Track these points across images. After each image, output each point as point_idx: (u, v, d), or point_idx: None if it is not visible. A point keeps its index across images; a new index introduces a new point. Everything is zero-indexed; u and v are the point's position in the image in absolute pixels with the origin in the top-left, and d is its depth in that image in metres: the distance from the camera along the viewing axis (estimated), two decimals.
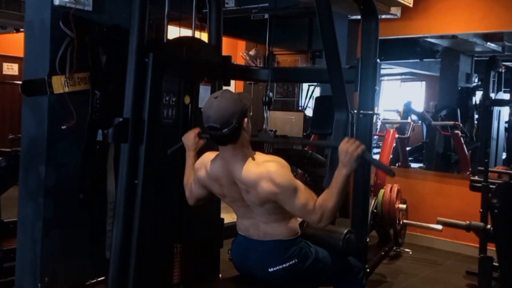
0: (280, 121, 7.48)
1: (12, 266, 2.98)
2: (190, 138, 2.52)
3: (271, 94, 3.75)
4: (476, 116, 7.15)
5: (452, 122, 6.41)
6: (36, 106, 2.71)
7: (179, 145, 2.60)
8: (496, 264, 3.28)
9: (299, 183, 2.16)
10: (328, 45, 2.77)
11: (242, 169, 2.16)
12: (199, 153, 2.49)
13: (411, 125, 6.15)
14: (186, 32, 3.12)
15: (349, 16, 5.26)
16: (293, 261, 2.22)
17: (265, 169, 2.14)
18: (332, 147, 2.91)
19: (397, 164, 6.46)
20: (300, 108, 8.74)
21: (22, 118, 2.83)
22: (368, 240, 3.16)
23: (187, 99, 2.80)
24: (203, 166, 2.34)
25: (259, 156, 2.23)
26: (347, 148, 2.08)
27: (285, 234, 2.25)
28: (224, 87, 3.07)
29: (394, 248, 4.81)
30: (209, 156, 2.34)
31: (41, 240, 2.67)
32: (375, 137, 6.58)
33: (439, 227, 4.46)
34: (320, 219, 2.11)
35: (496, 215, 2.95)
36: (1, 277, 3.20)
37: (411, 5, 4.90)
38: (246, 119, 2.17)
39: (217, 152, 2.29)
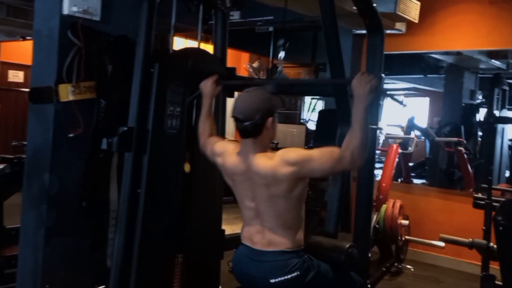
0: (282, 133, 7.48)
1: (13, 272, 2.98)
2: (207, 85, 2.64)
3: None
4: (479, 133, 7.15)
5: (455, 139, 6.40)
6: (42, 113, 2.72)
7: (197, 93, 2.68)
8: (498, 282, 3.26)
9: (312, 150, 2.22)
10: (333, 59, 2.79)
11: (259, 163, 2.23)
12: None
13: (414, 141, 6.15)
14: (192, 43, 3.14)
15: (353, 30, 5.30)
16: (296, 274, 2.21)
17: (277, 157, 2.21)
18: (345, 83, 2.87)
19: (399, 180, 6.45)
20: (302, 121, 8.75)
21: (28, 125, 2.84)
22: (370, 255, 3.15)
23: (187, 167, 2.82)
24: (222, 154, 2.40)
25: (275, 152, 2.28)
26: (361, 81, 2.11)
27: (289, 245, 2.25)
28: (228, 99, 3.09)
29: (396, 264, 4.80)
30: (230, 147, 2.39)
31: (43, 247, 2.67)
32: (378, 152, 6.58)
33: (442, 244, 4.44)
34: (352, 160, 2.09)
35: (501, 232, 2.93)
36: (2, 284, 3.21)
37: (416, 21, 4.93)
38: (270, 119, 2.25)
39: (238, 143, 2.36)
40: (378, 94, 2.39)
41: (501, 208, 3.06)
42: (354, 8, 3.01)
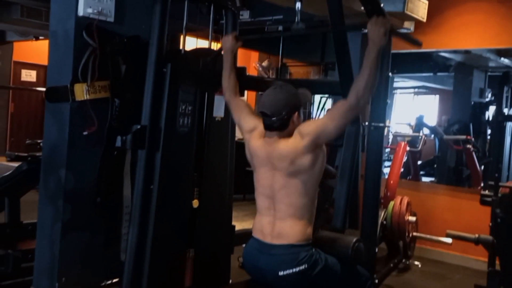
0: None
1: (30, 266, 3.06)
2: (228, 40, 2.76)
3: None
4: (488, 131, 7.16)
5: (464, 137, 6.43)
6: (58, 112, 2.80)
7: (219, 50, 2.80)
8: None
9: (322, 117, 2.38)
10: (341, 58, 2.85)
11: (281, 146, 2.34)
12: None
13: (422, 138, 6.19)
14: (203, 43, 3.21)
15: (362, 29, 5.33)
16: (303, 267, 2.28)
17: (295, 134, 2.34)
18: (360, 26, 2.92)
19: (408, 177, 6.49)
20: (311, 119, 8.80)
21: (45, 123, 2.92)
22: (376, 251, 3.21)
23: (195, 204, 2.91)
24: (251, 132, 2.49)
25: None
26: (375, 24, 2.19)
27: (297, 238, 2.31)
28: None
29: (403, 260, 4.83)
30: (260, 128, 2.46)
31: (59, 241, 2.74)
32: (387, 149, 6.62)
33: (449, 240, 4.49)
34: (356, 100, 2.21)
35: (499, 225, 2.99)
36: (19, 277, 3.29)
37: (424, 20, 4.96)
38: (296, 114, 2.36)
39: None
40: (390, 39, 2.42)
41: (500, 201, 3.11)
42: (362, 8, 3.06)
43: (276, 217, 2.36)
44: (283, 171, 2.34)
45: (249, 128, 2.52)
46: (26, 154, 3.98)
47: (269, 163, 2.38)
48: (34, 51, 9.98)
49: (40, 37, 9.12)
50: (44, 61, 2.95)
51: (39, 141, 4.89)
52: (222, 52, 2.85)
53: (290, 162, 2.32)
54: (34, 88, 9.76)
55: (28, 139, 8.38)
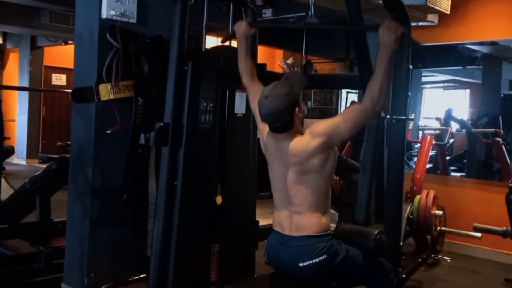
0: None
1: (61, 263, 3.16)
2: (242, 26, 2.79)
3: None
4: None
5: (493, 130, 6.32)
6: (84, 112, 2.89)
7: (232, 34, 2.83)
8: None
9: (336, 117, 2.34)
10: (360, 52, 2.85)
11: (291, 144, 2.34)
12: None
13: (448, 132, 6.10)
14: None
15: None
16: (323, 257, 2.29)
17: (306, 133, 2.33)
18: (372, 29, 2.92)
19: (437, 172, 6.41)
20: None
21: (72, 123, 3.01)
22: (401, 244, 3.18)
23: (219, 199, 2.94)
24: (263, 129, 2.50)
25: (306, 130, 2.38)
26: (388, 29, 2.20)
27: (315, 229, 2.33)
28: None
29: (432, 255, 4.78)
30: None
31: (88, 237, 2.83)
32: (417, 145, 6.55)
33: (478, 234, 4.43)
34: (372, 105, 2.23)
35: None
36: (50, 273, 3.38)
37: (448, 12, 4.91)
38: (297, 108, 2.33)
39: None
40: (403, 42, 2.40)
41: None
42: (381, 1, 3.05)
43: (293, 211, 2.38)
44: (294, 168, 2.35)
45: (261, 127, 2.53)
46: (57, 156, 4.09)
47: (280, 159, 2.40)
48: (63, 55, 10.23)
49: (69, 42, 9.36)
50: (73, 65, 3.04)
51: (69, 143, 5.02)
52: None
53: (300, 162, 2.32)
54: (64, 90, 9.98)
55: (59, 141, 8.63)
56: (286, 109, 2.29)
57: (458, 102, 10.91)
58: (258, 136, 2.69)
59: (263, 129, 2.50)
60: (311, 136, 2.31)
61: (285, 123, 2.31)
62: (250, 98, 2.73)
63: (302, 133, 2.37)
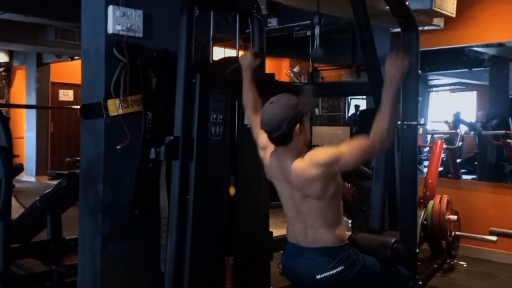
0: (327, 136, 7.53)
1: (74, 281, 3.14)
2: (246, 58, 2.76)
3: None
4: None
5: (503, 131, 6.27)
6: (93, 128, 2.87)
7: (236, 66, 2.79)
8: None
9: (341, 146, 2.25)
10: (369, 58, 2.83)
11: (291, 166, 2.30)
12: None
13: (459, 135, 6.06)
14: (231, 52, 3.23)
15: (391, 29, 5.29)
16: (340, 268, 2.26)
17: (306, 159, 2.27)
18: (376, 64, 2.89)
19: (448, 176, 6.35)
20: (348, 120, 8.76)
21: (81, 139, 3.00)
22: (417, 251, 3.15)
23: (232, 190, 2.91)
24: (265, 149, 2.48)
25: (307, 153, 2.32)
26: (393, 63, 2.16)
27: (332, 241, 2.31)
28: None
29: (448, 261, 4.72)
30: (271, 145, 2.42)
31: (100, 254, 2.80)
32: (426, 148, 6.50)
33: (494, 238, 4.38)
34: (380, 143, 2.16)
35: None
36: None
37: (454, 15, 4.88)
38: (298, 125, 2.27)
39: None
40: (408, 75, 2.40)
41: None
42: (388, 7, 3.04)
43: (306, 225, 2.35)
44: (298, 190, 2.32)
45: (263, 145, 2.50)
46: (66, 172, 4.09)
47: (284, 179, 2.36)
48: (70, 71, 10.29)
49: (75, 57, 9.41)
50: (80, 80, 3.03)
51: (78, 158, 5.02)
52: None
53: (301, 186, 2.29)
54: (71, 106, 10.04)
55: (68, 157, 8.65)
56: (286, 120, 2.24)
57: (465, 105, 10.84)
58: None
59: (264, 155, 2.48)
60: (311, 163, 2.25)
61: (282, 136, 2.26)
62: (253, 129, 2.68)
63: (303, 157, 2.30)
